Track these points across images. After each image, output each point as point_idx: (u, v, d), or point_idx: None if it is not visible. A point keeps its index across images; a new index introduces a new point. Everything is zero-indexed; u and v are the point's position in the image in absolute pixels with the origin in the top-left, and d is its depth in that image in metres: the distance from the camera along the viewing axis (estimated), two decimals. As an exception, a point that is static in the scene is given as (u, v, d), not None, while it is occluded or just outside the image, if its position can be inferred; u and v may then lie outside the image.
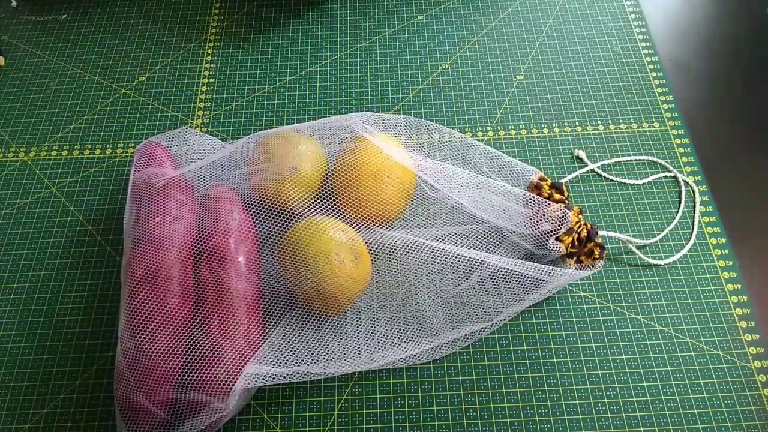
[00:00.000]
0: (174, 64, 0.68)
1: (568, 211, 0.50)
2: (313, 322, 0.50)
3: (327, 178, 0.55)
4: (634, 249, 0.54)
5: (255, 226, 0.52)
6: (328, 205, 0.52)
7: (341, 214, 0.52)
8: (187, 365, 0.45)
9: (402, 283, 0.53)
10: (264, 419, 0.48)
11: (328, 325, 0.50)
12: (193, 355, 0.45)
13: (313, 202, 0.52)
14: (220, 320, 0.46)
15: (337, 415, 0.48)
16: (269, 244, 0.52)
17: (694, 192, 0.58)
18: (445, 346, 0.50)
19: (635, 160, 0.60)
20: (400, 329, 0.50)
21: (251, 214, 0.52)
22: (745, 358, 0.49)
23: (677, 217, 0.56)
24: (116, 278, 0.54)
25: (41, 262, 0.55)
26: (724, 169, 0.59)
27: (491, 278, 0.53)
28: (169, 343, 0.45)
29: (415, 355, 0.49)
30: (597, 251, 0.51)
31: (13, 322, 0.53)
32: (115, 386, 0.45)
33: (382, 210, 0.52)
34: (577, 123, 0.62)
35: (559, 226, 0.50)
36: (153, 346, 0.45)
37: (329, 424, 0.48)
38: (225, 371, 0.44)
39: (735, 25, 0.69)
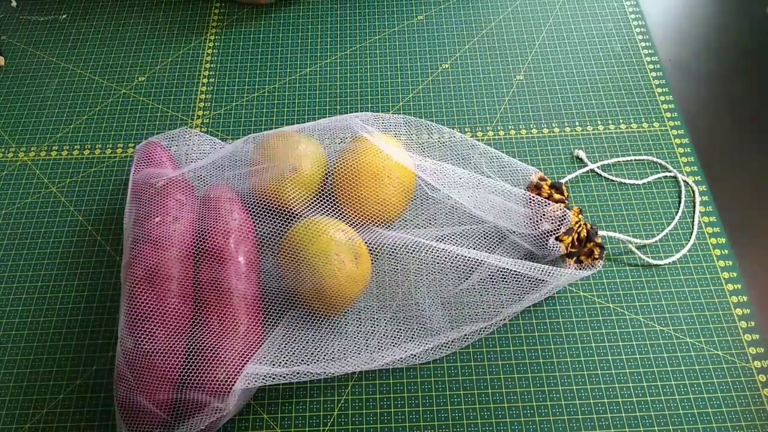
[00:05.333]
0: (174, 64, 0.68)
1: (568, 211, 0.50)
2: (313, 322, 0.50)
3: (327, 178, 0.55)
4: (634, 249, 0.54)
5: (255, 226, 0.52)
6: (328, 205, 0.52)
7: (341, 214, 0.52)
8: (187, 365, 0.45)
9: (402, 283, 0.53)
10: (264, 419, 0.48)
11: (328, 325, 0.50)
12: (193, 355, 0.45)
13: (313, 202, 0.52)
14: (220, 320, 0.46)
15: (337, 415, 0.48)
16: (269, 244, 0.52)
17: (694, 192, 0.58)
18: (445, 346, 0.50)
19: (635, 160, 0.60)
20: (400, 329, 0.50)
21: (251, 214, 0.52)
22: (745, 358, 0.49)
23: (677, 217, 0.56)
24: (116, 278, 0.54)
25: (41, 262, 0.55)
26: (724, 169, 0.59)
27: (491, 278, 0.53)
28: (169, 343, 0.45)
29: (415, 355, 0.49)
30: (597, 251, 0.51)
31: (13, 322, 0.53)
32: (115, 386, 0.45)
33: (382, 210, 0.52)
34: (577, 123, 0.62)
35: (559, 226, 0.50)
36: (153, 346, 0.45)
37: (329, 424, 0.48)
38: (225, 371, 0.44)
39: (735, 25, 0.69)
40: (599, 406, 0.48)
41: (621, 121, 0.62)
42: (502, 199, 0.52)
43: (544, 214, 0.50)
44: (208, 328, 0.46)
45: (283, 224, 0.52)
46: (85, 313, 0.53)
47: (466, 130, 0.62)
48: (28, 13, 0.73)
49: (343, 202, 0.52)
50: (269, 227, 0.52)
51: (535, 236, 0.51)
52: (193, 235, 0.50)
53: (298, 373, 0.45)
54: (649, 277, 0.53)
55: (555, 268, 0.49)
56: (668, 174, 0.59)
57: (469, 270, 0.53)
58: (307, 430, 0.47)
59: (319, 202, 0.52)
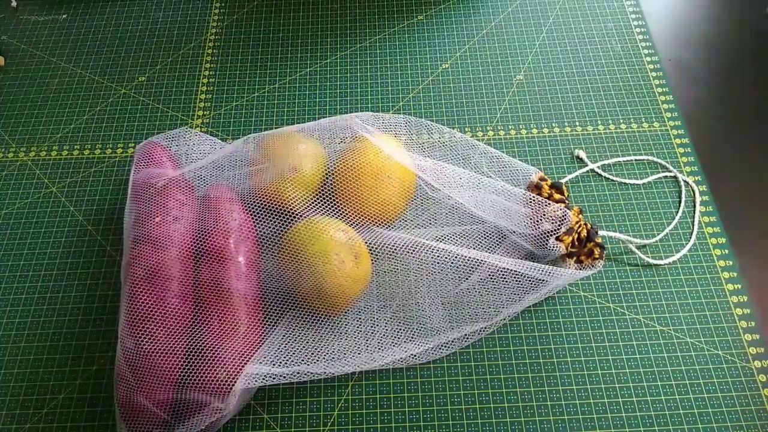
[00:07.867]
0: (174, 64, 0.68)
1: (568, 211, 0.50)
2: (313, 322, 0.50)
3: (327, 178, 0.55)
4: (634, 249, 0.54)
5: (255, 226, 0.52)
6: (328, 205, 0.52)
7: (341, 214, 0.52)
8: (187, 365, 0.45)
9: (402, 283, 0.53)
10: (264, 419, 0.48)
11: (328, 325, 0.50)
12: (193, 355, 0.45)
13: (313, 202, 0.52)
14: (220, 320, 0.46)
15: (337, 415, 0.48)
16: (269, 244, 0.52)
17: (694, 192, 0.58)
18: (445, 346, 0.50)
19: (635, 160, 0.60)
20: (400, 329, 0.50)
21: (251, 214, 0.52)
22: (745, 358, 0.49)
23: (677, 217, 0.56)
24: (116, 278, 0.54)
25: (41, 262, 0.55)
26: (724, 169, 0.59)
27: (491, 278, 0.53)
28: (169, 343, 0.45)
29: (415, 355, 0.49)
30: (597, 251, 0.51)
31: (13, 322, 0.53)
32: (115, 386, 0.45)
33: (382, 210, 0.52)
34: (577, 123, 0.62)
35: (559, 226, 0.50)
36: (153, 346, 0.45)
37: (329, 424, 0.48)
38: (225, 371, 0.44)
39: (735, 25, 0.69)
40: (599, 406, 0.48)
41: (621, 121, 0.62)
42: (503, 199, 0.52)
43: (544, 214, 0.50)
44: (208, 328, 0.46)
45: (283, 224, 0.52)
46: (85, 313, 0.53)
47: (466, 130, 0.62)
48: (28, 13, 0.73)
49: (344, 202, 0.52)
50: (269, 227, 0.52)
51: (535, 236, 0.51)
52: (193, 235, 0.50)
53: (298, 373, 0.45)
54: (649, 277, 0.53)
55: (555, 268, 0.49)
56: (668, 174, 0.59)
57: (469, 270, 0.53)
58: (307, 430, 0.47)
59: (319, 202, 0.52)
